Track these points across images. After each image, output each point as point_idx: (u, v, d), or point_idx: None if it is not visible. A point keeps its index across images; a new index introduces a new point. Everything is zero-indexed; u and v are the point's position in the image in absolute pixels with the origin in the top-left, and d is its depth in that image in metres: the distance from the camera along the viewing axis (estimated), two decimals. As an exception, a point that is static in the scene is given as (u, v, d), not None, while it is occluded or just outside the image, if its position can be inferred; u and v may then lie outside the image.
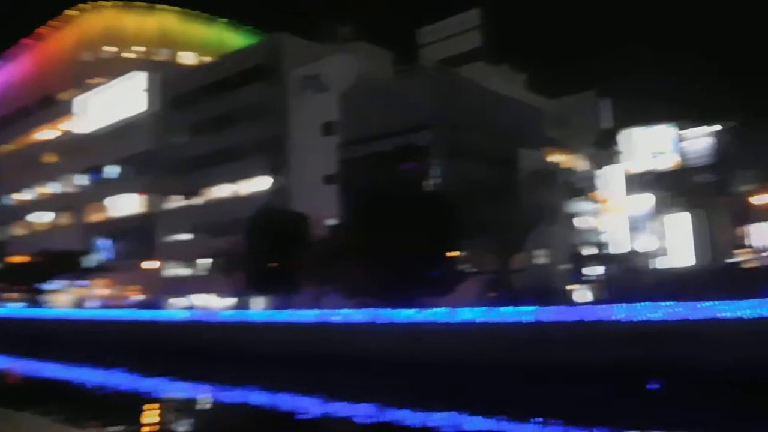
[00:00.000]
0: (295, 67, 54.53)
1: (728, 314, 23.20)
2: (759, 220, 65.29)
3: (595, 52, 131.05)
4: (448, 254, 42.65)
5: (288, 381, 30.05)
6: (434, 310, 31.75)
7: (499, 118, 49.96)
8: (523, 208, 46.93)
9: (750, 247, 65.30)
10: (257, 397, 27.92)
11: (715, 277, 35.49)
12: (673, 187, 64.32)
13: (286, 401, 27.37)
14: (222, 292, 50.89)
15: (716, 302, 23.71)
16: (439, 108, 47.02)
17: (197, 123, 61.57)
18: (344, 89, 51.54)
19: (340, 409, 25.21)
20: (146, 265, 62.86)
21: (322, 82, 53.30)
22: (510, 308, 29.17)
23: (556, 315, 27.66)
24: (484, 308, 30.29)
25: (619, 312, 25.73)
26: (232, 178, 58.03)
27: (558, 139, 57.72)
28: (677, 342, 23.65)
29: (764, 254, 53.97)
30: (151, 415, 25.78)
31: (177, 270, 61.52)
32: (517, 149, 50.96)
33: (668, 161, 68.82)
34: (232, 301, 49.63)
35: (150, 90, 66.65)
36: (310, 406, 25.95)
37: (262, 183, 55.87)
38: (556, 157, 56.01)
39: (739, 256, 58.51)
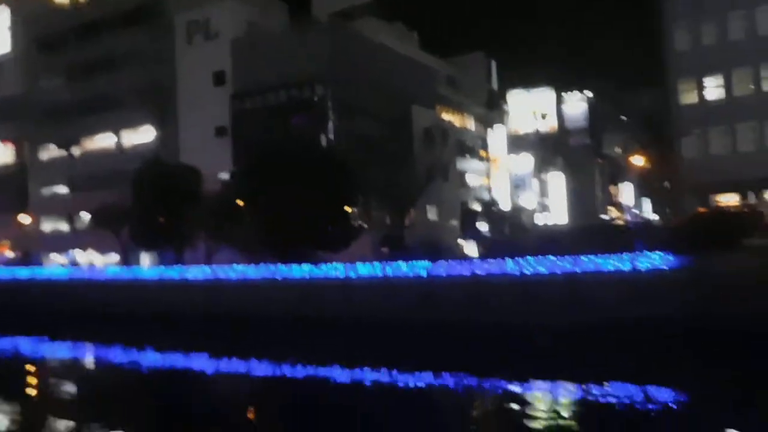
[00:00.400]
0: (181, 11, 51.75)
1: (610, 267, 24.99)
2: (628, 181, 70.73)
3: (484, 13, 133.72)
4: (341, 210, 42.92)
5: (180, 340, 29.37)
6: (330, 266, 31.90)
7: (391, 76, 50.14)
8: (414, 165, 47.83)
9: (619, 205, 70.66)
10: (148, 358, 27.13)
11: (589, 233, 37.68)
12: (552, 148, 67.97)
13: (178, 361, 26.80)
14: (106, 249, 48.46)
15: (597, 256, 25.43)
16: (333, 62, 46.48)
17: (72, 66, 57.18)
18: (235, 37, 49.66)
19: (235, 367, 25.05)
20: (19, 219, 58.48)
21: (211, 29, 51.07)
22: (404, 263, 29.79)
23: (450, 270, 28.59)
24: (378, 264, 30.72)
25: (511, 267, 26.97)
26: (115, 128, 54.74)
27: (448, 99, 58.92)
28: (564, 293, 25.17)
29: (632, 212, 58.44)
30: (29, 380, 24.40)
31: (55, 225, 57.74)
32: (409, 107, 51.57)
33: (548, 123, 72.55)
34: (117, 258, 47.39)
35: (14, 29, 61.01)
36: (203, 366, 25.63)
37: (147, 134, 53.14)
38: (447, 116, 57.27)
39: (611, 214, 63.17)
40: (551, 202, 59.44)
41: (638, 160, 52.58)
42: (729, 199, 39.86)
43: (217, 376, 23.99)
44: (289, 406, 18.66)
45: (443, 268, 28.93)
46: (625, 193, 66.65)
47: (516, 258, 27.40)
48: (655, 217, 49.05)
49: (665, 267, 24.23)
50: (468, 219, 41.51)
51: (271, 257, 35.33)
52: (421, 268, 29.19)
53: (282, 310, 30.70)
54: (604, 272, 25.24)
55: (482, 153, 59.79)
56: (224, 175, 42.81)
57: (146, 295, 36.20)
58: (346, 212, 43.20)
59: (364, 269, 30.62)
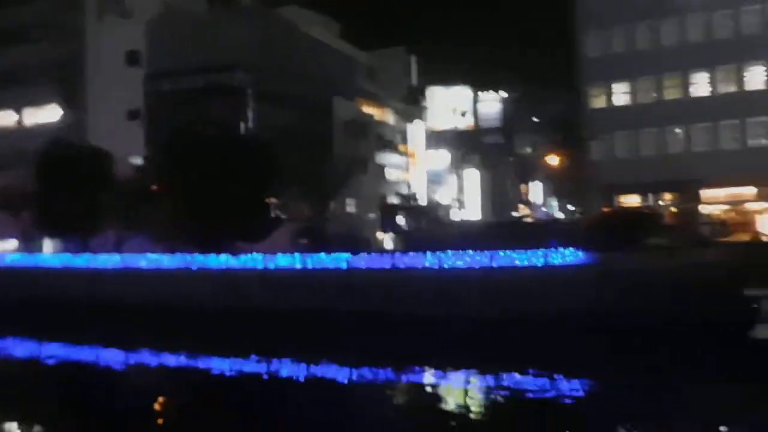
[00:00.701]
0: (93, -14, 49.30)
1: (524, 263, 25.94)
2: (538, 180, 73.44)
3: (405, 7, 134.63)
4: (260, 200, 42.29)
5: (87, 331, 28.13)
6: (249, 256, 31.41)
7: (313, 65, 49.75)
8: (334, 157, 47.70)
9: (529, 203, 73.27)
10: (51, 350, 25.86)
11: (502, 229, 38.82)
12: (468, 145, 69.58)
13: (86, 354, 25.71)
14: (4, 234, 45.54)
15: (513, 251, 26.33)
16: (254, 48, 45.61)
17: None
18: (151, 17, 47.79)
19: (148, 359, 24.32)
20: None
21: (126, 7, 48.93)
22: (324, 255, 29.77)
23: (370, 262, 28.83)
24: (298, 255, 30.53)
25: (430, 260, 27.49)
26: (16, 105, 51.43)
27: (369, 91, 59.09)
28: (479, 287, 25.92)
29: (541, 210, 60.71)
30: None
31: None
32: (331, 98, 51.35)
33: (465, 121, 74.19)
34: (17, 243, 44.64)
35: None
36: (111, 358, 24.72)
37: (52, 112, 50.27)
38: (367, 109, 57.44)
39: (521, 211, 65.41)
40: (466, 198, 60.92)
41: (549, 160, 54.72)
42: (631, 200, 42.21)
43: (127, 368, 23.23)
44: (202, 397, 18.29)
45: (363, 260, 29.14)
46: (535, 191, 69.21)
47: (434, 252, 27.97)
48: (562, 215, 51.20)
49: (576, 263, 25.40)
50: (387, 213, 41.87)
51: (187, 246, 34.39)
52: (341, 260, 29.26)
53: (199, 301, 29.96)
54: (518, 267, 26.19)
55: (401, 147, 60.40)
56: (136, 160, 41.22)
57: (49, 283, 34.38)
58: (265, 202, 42.70)
59: (284, 260, 30.36)
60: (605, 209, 39.50)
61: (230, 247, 33.90)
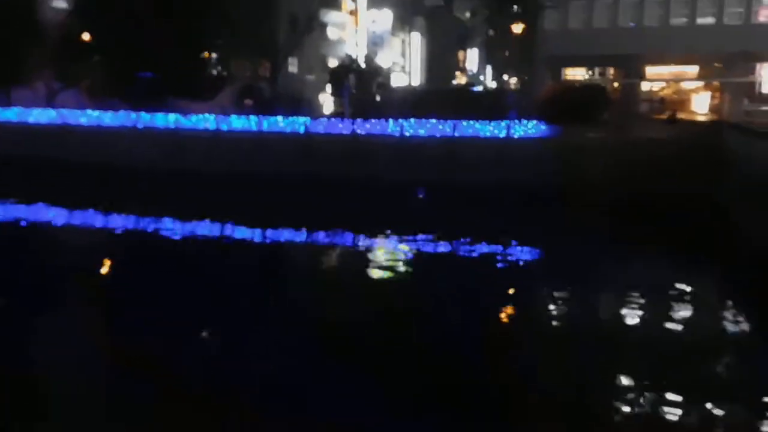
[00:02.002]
0: None
1: (486, 134, 26.18)
2: (478, 47, 72.45)
3: None
4: (199, 55, 40.06)
5: (24, 190, 26.82)
6: (200, 116, 30.13)
7: None
8: (278, 13, 45.02)
9: (466, 70, 72.68)
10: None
11: (449, 97, 38.54)
12: (409, 6, 67.11)
13: (23, 212, 24.73)
14: None
15: (475, 122, 26.47)
16: None
17: None
18: None
19: (88, 219, 23.71)
20: None
21: None
22: (282, 118, 28.96)
23: (329, 128, 28.33)
24: (253, 117, 29.55)
25: (392, 128, 27.27)
26: None
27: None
28: (440, 156, 26.14)
29: (480, 79, 60.36)
30: None
31: None
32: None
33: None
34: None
35: None
36: (50, 218, 23.97)
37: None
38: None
39: (459, 79, 64.97)
40: (409, 63, 59.68)
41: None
42: (577, 73, 42.63)
43: (65, 228, 22.56)
44: (148, 259, 18.12)
45: (322, 125, 28.60)
46: (473, 58, 68.38)
47: (387, 118, 27.74)
48: (503, 85, 51.25)
49: (536, 136, 25.89)
50: (336, 75, 40.57)
51: (123, 104, 32.54)
52: (299, 124, 28.59)
53: (144, 161, 28.81)
54: (479, 137, 26.45)
55: (342, 6, 57.54)
56: (64, 4, 37.56)
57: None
58: (204, 58, 40.58)
59: (239, 122, 29.36)
60: (560, 82, 39.78)
61: (169, 105, 32.32)
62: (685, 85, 40.77)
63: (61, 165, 28.98)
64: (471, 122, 26.60)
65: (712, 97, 39.38)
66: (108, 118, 30.94)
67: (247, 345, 11.85)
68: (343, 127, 28.14)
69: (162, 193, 26.29)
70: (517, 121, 26.32)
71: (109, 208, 24.44)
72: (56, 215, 24.35)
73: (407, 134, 27.11)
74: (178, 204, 24.83)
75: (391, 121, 27.41)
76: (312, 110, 39.61)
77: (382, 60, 50.35)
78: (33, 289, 14.71)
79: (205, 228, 22.19)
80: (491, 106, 33.07)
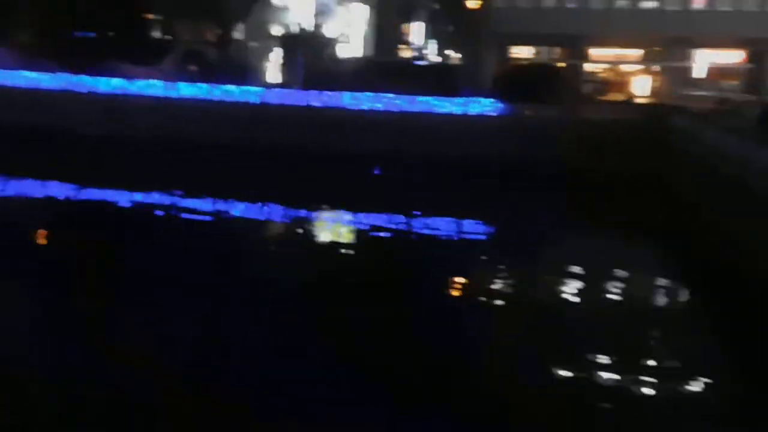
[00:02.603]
0: None
1: (443, 110, 26.29)
2: (421, 21, 71.96)
3: None
4: (141, 17, 38.41)
5: None
6: (146, 82, 28.98)
7: None
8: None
9: (409, 44, 72.10)
10: None
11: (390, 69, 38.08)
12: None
13: None
14: None
15: (432, 98, 26.53)
16: None
17: None
18: None
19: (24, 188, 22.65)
20: None
21: None
22: (235, 87, 28.22)
23: (285, 98, 27.82)
24: (205, 86, 28.61)
25: (348, 101, 27.01)
26: None
27: None
28: (396, 131, 26.10)
29: (423, 52, 59.79)
30: None
31: None
32: None
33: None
34: None
35: None
36: None
37: None
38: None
39: (401, 52, 64.31)
40: (352, 34, 58.91)
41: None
42: (522, 52, 43.15)
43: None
44: (87, 229, 17.52)
45: (277, 95, 28.04)
46: (417, 32, 67.91)
47: (340, 90, 27.47)
48: (448, 60, 51.25)
49: (487, 113, 26.17)
50: (286, 44, 39.63)
51: (64, 65, 30.87)
52: (252, 94, 27.93)
53: (86, 127, 27.52)
54: (435, 113, 26.54)
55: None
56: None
57: None
58: (146, 20, 38.96)
59: (188, 90, 28.39)
60: (514, 60, 40.06)
61: (109, 68, 30.89)
62: (625, 68, 42.00)
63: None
64: (427, 97, 26.66)
65: (652, 81, 40.73)
66: (46, 79, 29.33)
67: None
68: (298, 98, 27.66)
69: (106, 161, 25.23)
70: (472, 97, 26.53)
71: (49, 175, 23.31)
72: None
73: (364, 107, 26.93)
74: (124, 173, 23.94)
75: (347, 93, 27.12)
76: (258, 78, 38.71)
77: (328, 29, 49.46)
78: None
79: (152, 198, 21.51)
80: (440, 80, 33.22)
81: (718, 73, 39.37)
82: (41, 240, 16.90)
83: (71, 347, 10.20)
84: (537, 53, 42.75)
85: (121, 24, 33.99)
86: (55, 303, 11.92)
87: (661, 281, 15.38)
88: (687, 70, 39.10)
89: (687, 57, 39.11)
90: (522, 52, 42.88)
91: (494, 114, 25.86)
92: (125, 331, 10.89)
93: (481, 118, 25.88)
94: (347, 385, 9.53)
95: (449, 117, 26.05)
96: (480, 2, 31.49)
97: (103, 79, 28.92)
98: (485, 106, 26.04)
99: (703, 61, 39.10)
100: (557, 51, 42.12)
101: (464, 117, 26.01)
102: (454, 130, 25.72)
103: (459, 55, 44.02)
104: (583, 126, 24.73)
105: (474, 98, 26.32)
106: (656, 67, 40.47)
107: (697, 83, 38.27)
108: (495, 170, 23.39)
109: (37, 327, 10.92)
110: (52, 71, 29.59)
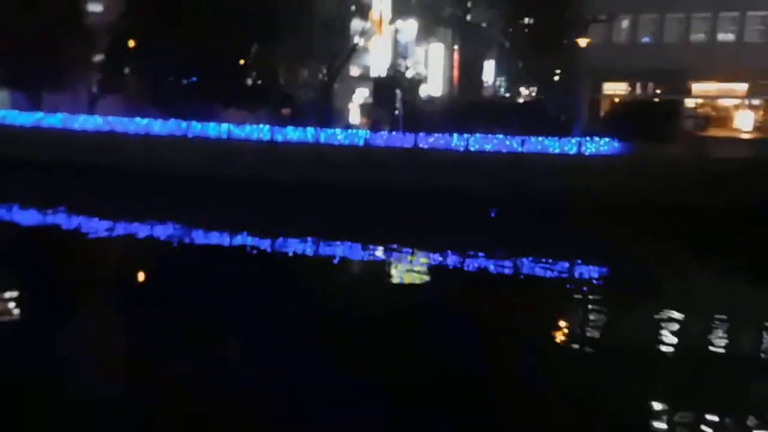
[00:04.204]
0: None
1: (555, 150, 25.58)
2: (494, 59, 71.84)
3: None
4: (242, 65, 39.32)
5: (67, 197, 25.84)
6: (254, 127, 29.30)
7: None
8: (303, 22, 44.31)
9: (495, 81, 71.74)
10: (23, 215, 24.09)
11: (493, 110, 37.95)
12: (429, 15, 66.50)
13: (69, 221, 23.91)
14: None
15: (544, 138, 25.88)
16: None
17: None
18: None
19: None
20: None
21: None
22: (341, 131, 28.31)
23: (390, 141, 27.69)
24: (311, 130, 28.75)
25: (456, 142, 26.64)
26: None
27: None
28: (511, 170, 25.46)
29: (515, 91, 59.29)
30: None
31: None
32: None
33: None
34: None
35: None
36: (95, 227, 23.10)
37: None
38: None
39: (487, 90, 64.12)
40: (438, 74, 59.08)
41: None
42: (617, 88, 42.15)
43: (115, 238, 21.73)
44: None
45: (382, 139, 27.93)
46: (503, 69, 67.79)
47: (432, 131, 27.15)
48: (543, 97, 50.48)
49: (609, 153, 25.31)
50: (381, 87, 39.91)
51: (160, 110, 31.74)
52: (360, 137, 27.92)
53: (197, 170, 27.96)
54: (548, 153, 25.85)
55: (369, 14, 56.88)
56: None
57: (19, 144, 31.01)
58: (245, 65, 39.87)
59: (295, 134, 28.61)
60: (631, 98, 39.11)
61: (206, 113, 31.59)
62: (724, 103, 40.42)
63: (112, 173, 28.08)
64: (539, 138, 26.04)
65: (756, 115, 39.04)
66: (157, 126, 30.11)
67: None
68: (405, 140, 27.46)
69: (218, 202, 25.49)
70: (586, 137, 25.77)
71: (166, 217, 23.59)
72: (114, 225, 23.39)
73: (472, 149, 26.49)
74: (238, 214, 24.11)
75: (455, 135, 26.77)
76: (352, 121, 38.96)
77: (413, 70, 49.70)
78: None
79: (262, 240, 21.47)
80: (543, 119, 32.63)
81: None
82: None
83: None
84: (632, 89, 41.75)
85: (222, 70, 34.74)
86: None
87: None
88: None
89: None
90: (616, 88, 41.99)
91: (621, 153, 24.98)
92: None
93: (606, 157, 25.03)
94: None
95: (566, 157, 25.30)
96: (588, 40, 30.46)
97: (212, 124, 29.44)
98: (605, 145, 25.16)
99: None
100: (653, 86, 41.00)
101: (581, 156, 25.22)
102: (570, 169, 24.90)
103: (553, 93, 43.31)
104: (716, 162, 23.59)
105: (590, 137, 25.51)
106: (758, 101, 38.86)
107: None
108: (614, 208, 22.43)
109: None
110: (152, 116, 30.39)
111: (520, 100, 44.07)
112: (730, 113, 39.65)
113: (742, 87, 38.79)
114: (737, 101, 39.73)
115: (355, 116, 41.92)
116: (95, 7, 36.24)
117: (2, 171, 27.84)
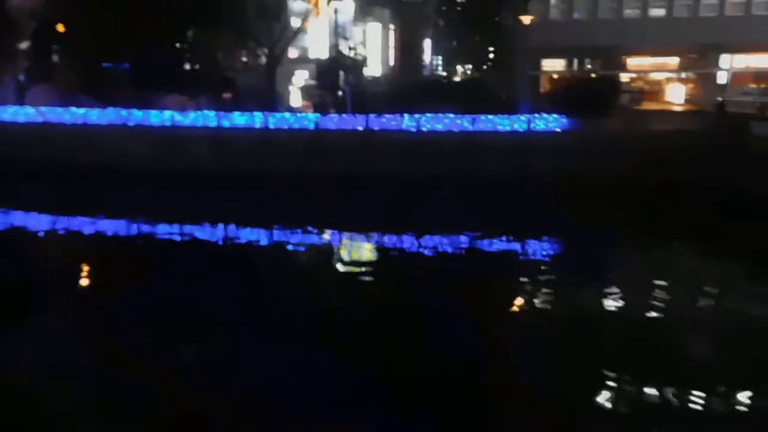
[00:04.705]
0: None
1: (505, 127, 25.87)
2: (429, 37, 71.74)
3: None
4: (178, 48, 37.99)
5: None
6: (198, 114, 28.45)
7: None
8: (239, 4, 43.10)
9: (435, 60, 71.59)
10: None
11: (433, 89, 37.86)
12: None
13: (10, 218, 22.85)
14: None
15: (494, 116, 26.13)
16: None
17: None
18: None
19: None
20: None
21: None
22: (290, 115, 27.79)
23: (341, 124, 27.36)
24: (258, 114, 28.08)
25: (408, 123, 26.56)
26: None
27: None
28: (458, 151, 25.61)
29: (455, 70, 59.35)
30: None
31: None
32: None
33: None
34: None
35: None
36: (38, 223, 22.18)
37: None
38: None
39: (421, 71, 64.06)
40: (377, 55, 58.66)
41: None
42: (554, 65, 43.02)
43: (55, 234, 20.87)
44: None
45: (332, 121, 27.58)
46: (443, 49, 67.77)
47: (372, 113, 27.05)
48: (482, 76, 50.86)
49: (549, 130, 25.75)
50: (326, 69, 39.24)
51: (94, 98, 30.39)
52: (309, 121, 27.47)
53: (141, 162, 26.91)
54: (499, 131, 26.11)
55: (303, -6, 55.80)
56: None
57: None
58: (180, 49, 38.57)
59: (241, 119, 27.89)
60: (573, 74, 39.83)
61: (143, 99, 30.44)
62: (656, 77, 41.88)
63: (48, 166, 26.69)
64: (488, 116, 26.27)
65: (687, 88, 40.64)
66: (95, 115, 28.78)
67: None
68: (356, 123, 27.18)
69: (164, 194, 24.66)
70: (535, 114, 26.17)
71: (108, 212, 22.76)
72: (52, 221, 22.37)
73: (424, 129, 26.49)
74: (182, 205, 23.44)
75: (406, 115, 26.68)
76: (295, 104, 38.33)
77: (354, 51, 49.11)
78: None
79: (208, 231, 21.02)
80: (487, 97, 32.89)
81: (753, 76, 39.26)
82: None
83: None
84: (569, 65, 42.69)
85: (157, 54, 33.42)
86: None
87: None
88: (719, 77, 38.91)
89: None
90: (554, 65, 42.85)
91: (560, 130, 25.45)
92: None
93: (548, 134, 25.47)
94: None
95: (516, 134, 25.62)
96: (531, 17, 30.80)
97: (154, 112, 28.37)
98: (553, 122, 25.61)
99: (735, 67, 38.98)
100: (590, 62, 42.03)
101: (531, 134, 25.59)
102: (521, 147, 25.22)
103: (492, 71, 43.74)
104: (657, 137, 24.34)
105: (538, 114, 25.92)
106: (688, 75, 40.44)
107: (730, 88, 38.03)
108: (562, 186, 22.90)
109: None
110: (95, 106, 29.05)
111: (462, 79, 44.29)
112: (662, 87, 41.14)
113: (674, 61, 40.30)
114: (669, 75, 41.27)
115: (297, 99, 41.25)
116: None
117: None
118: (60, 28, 31.50)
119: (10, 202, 23.88)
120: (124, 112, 28.54)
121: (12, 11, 32.06)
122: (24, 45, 31.65)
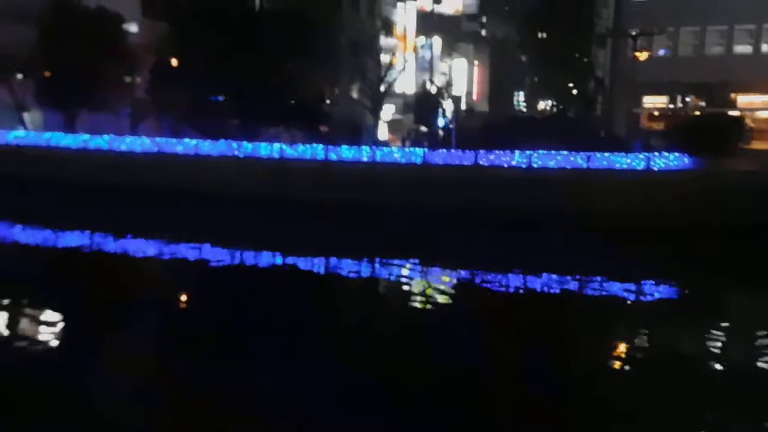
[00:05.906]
0: None
1: (622, 165, 24.99)
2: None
3: None
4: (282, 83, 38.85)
5: (113, 220, 25.33)
6: (306, 147, 28.81)
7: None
8: (334, 39, 43.87)
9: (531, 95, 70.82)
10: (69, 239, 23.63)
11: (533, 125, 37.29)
12: (452, 31, 66.13)
13: (119, 245, 23.36)
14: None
15: (610, 154, 25.31)
16: None
17: None
18: None
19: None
20: None
21: None
22: (397, 150, 27.78)
23: (447, 159, 27.12)
24: (366, 148, 28.24)
25: (518, 159, 26.07)
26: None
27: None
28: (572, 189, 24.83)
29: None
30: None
31: None
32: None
33: (453, 4, 70.07)
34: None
35: None
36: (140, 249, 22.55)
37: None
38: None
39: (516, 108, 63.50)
40: (468, 90, 58.70)
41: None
42: (657, 101, 41.70)
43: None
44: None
45: (440, 156, 27.36)
46: (537, 84, 67.00)
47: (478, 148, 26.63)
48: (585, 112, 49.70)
49: (678, 168, 24.70)
50: (424, 103, 39.39)
51: (210, 131, 31.26)
52: (417, 155, 27.37)
53: (246, 191, 27.33)
54: (615, 169, 25.24)
55: (394, 29, 56.55)
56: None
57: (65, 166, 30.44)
58: (284, 83, 39.35)
59: (348, 153, 28.05)
60: (697, 112, 38.52)
61: (242, 131, 31.11)
62: (763, 115, 39.90)
63: (162, 193, 27.48)
64: (603, 153, 25.48)
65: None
66: (206, 146, 29.57)
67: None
68: (463, 158, 26.87)
69: (278, 223, 24.93)
70: (655, 152, 25.22)
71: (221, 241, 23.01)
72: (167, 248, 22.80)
73: (535, 165, 25.90)
74: (292, 236, 23.55)
75: (517, 152, 26.20)
76: (394, 138, 38.50)
77: (447, 86, 49.24)
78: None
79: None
80: (593, 133, 32.17)
81: None
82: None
83: None
84: (672, 102, 41.29)
85: (262, 88, 34.23)
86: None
87: None
88: None
89: None
90: (656, 101, 41.56)
91: (694, 169, 24.38)
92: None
93: (668, 173, 24.43)
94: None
95: (636, 173, 24.71)
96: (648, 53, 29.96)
97: (263, 144, 28.92)
98: (674, 161, 24.58)
99: None
100: (694, 99, 40.46)
101: (653, 172, 24.62)
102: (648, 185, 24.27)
103: (592, 107, 42.72)
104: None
105: (659, 153, 24.96)
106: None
107: None
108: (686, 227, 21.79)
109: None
110: (206, 138, 29.88)
111: (562, 115, 43.53)
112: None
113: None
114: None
115: (395, 133, 41.41)
116: (134, 28, 35.84)
117: (52, 193, 27.42)
118: (173, 62, 32.73)
119: (132, 227, 24.46)
120: (234, 143, 29.19)
121: (130, 47, 33.59)
122: (139, 79, 32.91)
